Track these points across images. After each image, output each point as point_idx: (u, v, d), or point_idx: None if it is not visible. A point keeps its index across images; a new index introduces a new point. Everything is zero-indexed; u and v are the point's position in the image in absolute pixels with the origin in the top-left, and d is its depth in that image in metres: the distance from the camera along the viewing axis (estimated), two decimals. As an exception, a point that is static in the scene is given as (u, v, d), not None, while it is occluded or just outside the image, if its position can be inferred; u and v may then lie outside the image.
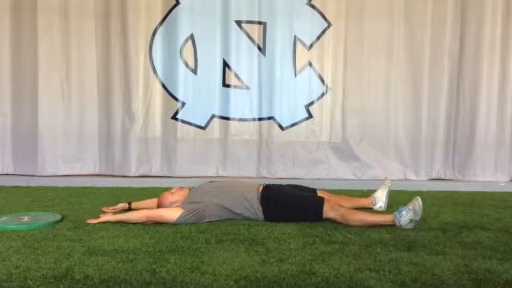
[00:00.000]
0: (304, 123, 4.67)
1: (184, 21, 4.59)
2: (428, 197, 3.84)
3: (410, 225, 2.72)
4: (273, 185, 3.15)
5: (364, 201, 3.31)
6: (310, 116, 4.64)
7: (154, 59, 4.64)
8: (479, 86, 4.52)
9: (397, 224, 2.73)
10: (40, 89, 4.58)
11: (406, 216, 2.72)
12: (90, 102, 4.69)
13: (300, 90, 4.64)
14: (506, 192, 4.10)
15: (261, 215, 2.90)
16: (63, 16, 4.58)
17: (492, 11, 4.45)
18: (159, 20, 4.60)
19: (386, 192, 3.32)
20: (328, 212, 2.86)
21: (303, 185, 3.35)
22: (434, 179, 4.66)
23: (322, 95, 4.64)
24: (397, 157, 4.67)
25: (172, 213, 2.83)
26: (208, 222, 2.85)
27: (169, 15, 4.59)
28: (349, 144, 4.62)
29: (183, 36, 4.60)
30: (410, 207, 2.73)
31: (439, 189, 4.23)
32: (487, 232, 2.66)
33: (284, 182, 3.44)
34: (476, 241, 2.46)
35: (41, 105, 4.59)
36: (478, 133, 4.54)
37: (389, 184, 3.39)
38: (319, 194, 3.18)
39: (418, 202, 2.71)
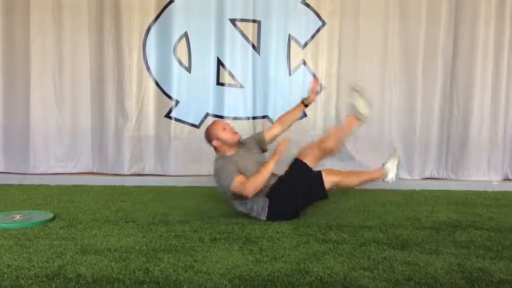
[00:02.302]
0: (298, 121, 4.64)
1: (179, 19, 4.56)
2: (421, 196, 3.85)
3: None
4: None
5: (374, 174, 3.25)
6: (304, 115, 4.63)
7: (148, 57, 4.62)
8: (472, 86, 4.53)
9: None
10: (32, 87, 4.55)
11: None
12: (83, 100, 4.66)
13: (294, 89, 4.63)
14: (499, 192, 4.12)
15: (265, 210, 2.88)
16: (56, 13, 4.55)
17: (486, 11, 4.46)
18: (153, 17, 4.57)
19: (396, 163, 3.24)
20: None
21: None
22: (428, 178, 4.66)
23: (316, 94, 4.63)
24: (390, 155, 4.67)
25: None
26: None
27: (164, 12, 4.56)
28: (344, 143, 4.61)
29: (177, 34, 4.57)
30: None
31: (432, 189, 4.24)
32: (480, 231, 2.67)
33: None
34: (470, 240, 2.47)
35: (34, 103, 4.56)
36: (471, 132, 4.55)
37: (399, 155, 3.34)
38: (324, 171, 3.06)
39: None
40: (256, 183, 2.79)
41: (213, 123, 3.18)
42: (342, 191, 3.67)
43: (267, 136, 3.28)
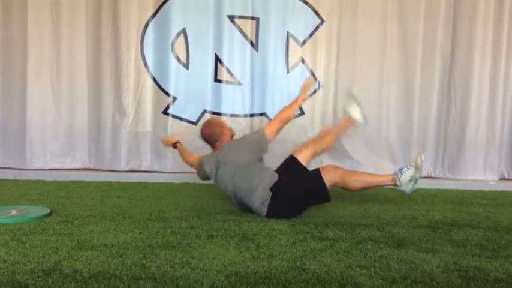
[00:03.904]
0: (296, 119, 4.63)
1: (177, 15, 4.56)
2: (418, 195, 3.85)
3: (410, 187, 2.75)
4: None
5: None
6: (302, 112, 4.63)
7: (145, 53, 4.61)
8: (470, 85, 4.54)
9: (398, 183, 2.77)
10: (29, 82, 4.54)
11: (406, 173, 2.75)
12: (80, 96, 4.66)
13: (292, 86, 4.62)
14: (495, 191, 4.13)
15: (266, 205, 2.85)
16: (54, 8, 4.54)
17: (484, 9, 4.47)
18: (151, 13, 4.56)
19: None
20: (327, 177, 2.82)
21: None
22: (425, 177, 4.66)
23: (314, 91, 4.64)
24: (388, 155, 4.69)
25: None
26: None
27: (162, 8, 4.55)
28: (341, 142, 4.61)
29: (175, 30, 4.57)
30: (412, 163, 2.77)
31: (428, 187, 4.25)
32: (476, 230, 2.67)
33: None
34: (466, 239, 2.47)
35: (31, 98, 4.56)
36: (469, 132, 4.56)
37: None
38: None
39: (420, 158, 2.73)
40: (287, 115, 3.02)
41: (211, 119, 3.14)
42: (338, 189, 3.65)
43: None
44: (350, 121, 3.26)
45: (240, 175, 2.90)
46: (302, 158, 3.03)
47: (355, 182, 2.85)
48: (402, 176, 2.79)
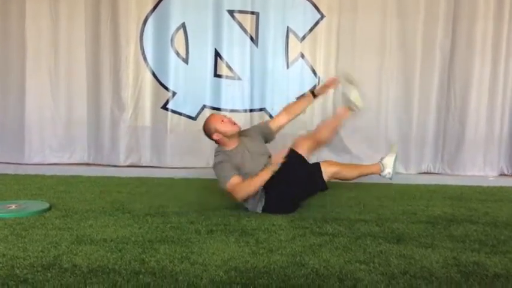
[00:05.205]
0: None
1: (176, 10, 4.54)
2: (417, 191, 3.86)
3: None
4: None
5: (371, 168, 3.22)
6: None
7: (145, 48, 4.60)
8: (470, 82, 4.53)
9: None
10: (28, 77, 4.53)
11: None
12: (79, 91, 4.65)
13: (292, 82, 4.62)
14: (494, 187, 4.13)
15: (261, 201, 2.88)
16: (52, 3, 4.52)
17: (484, 7, 4.45)
18: (150, 7, 4.54)
19: (394, 158, 3.19)
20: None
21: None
22: (424, 173, 4.68)
23: (314, 87, 4.63)
24: (387, 150, 4.65)
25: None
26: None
27: (161, 3, 4.53)
28: (340, 137, 4.61)
29: (174, 24, 4.55)
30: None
31: (428, 183, 4.26)
32: (476, 226, 2.67)
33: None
34: (465, 234, 2.48)
35: (29, 93, 4.55)
36: (468, 127, 4.56)
37: (397, 150, 3.30)
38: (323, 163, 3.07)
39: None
40: (248, 190, 2.81)
41: (210, 117, 3.12)
42: (338, 184, 3.65)
43: (273, 127, 3.20)
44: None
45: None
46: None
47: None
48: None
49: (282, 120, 3.25)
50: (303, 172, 2.92)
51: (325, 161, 3.07)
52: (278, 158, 2.77)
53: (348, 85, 3.06)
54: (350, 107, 3.22)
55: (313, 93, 3.34)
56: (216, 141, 3.04)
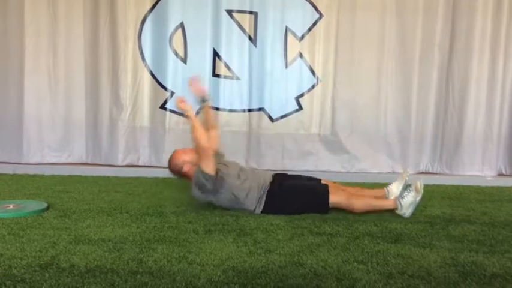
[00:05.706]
0: (294, 115, 4.64)
1: (175, 9, 4.53)
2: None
3: (410, 210, 2.80)
4: (277, 174, 3.16)
5: (376, 192, 3.15)
6: (300, 107, 4.63)
7: (143, 47, 4.59)
8: (468, 81, 4.53)
9: (399, 207, 2.81)
10: (26, 76, 4.51)
11: (407, 197, 2.81)
12: (77, 90, 4.64)
13: (291, 81, 4.62)
14: (492, 187, 4.14)
15: (260, 206, 2.88)
16: (51, 2, 4.50)
17: (483, 5, 4.45)
18: (148, 7, 4.54)
19: (401, 185, 3.07)
20: (332, 197, 2.87)
21: (304, 175, 3.29)
22: (422, 173, 4.68)
23: (313, 86, 4.63)
24: (385, 150, 4.68)
25: (208, 164, 2.81)
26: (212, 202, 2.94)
27: (159, 2, 4.52)
28: (339, 137, 4.61)
29: (173, 24, 4.54)
30: (412, 188, 2.82)
31: (426, 183, 4.22)
32: (474, 226, 2.68)
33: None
34: (463, 234, 2.48)
35: (27, 92, 4.52)
36: (466, 127, 4.56)
37: (407, 178, 3.14)
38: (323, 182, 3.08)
39: (420, 182, 2.81)
40: (198, 135, 2.86)
41: (173, 153, 3.06)
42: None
43: (215, 147, 3.02)
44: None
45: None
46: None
47: (359, 205, 2.88)
48: (403, 200, 2.83)
49: (214, 137, 3.07)
50: (310, 193, 2.92)
51: (334, 186, 3.00)
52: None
53: (413, 189, 2.84)
54: (397, 205, 2.87)
55: (204, 102, 3.31)
56: (186, 174, 3.00)
